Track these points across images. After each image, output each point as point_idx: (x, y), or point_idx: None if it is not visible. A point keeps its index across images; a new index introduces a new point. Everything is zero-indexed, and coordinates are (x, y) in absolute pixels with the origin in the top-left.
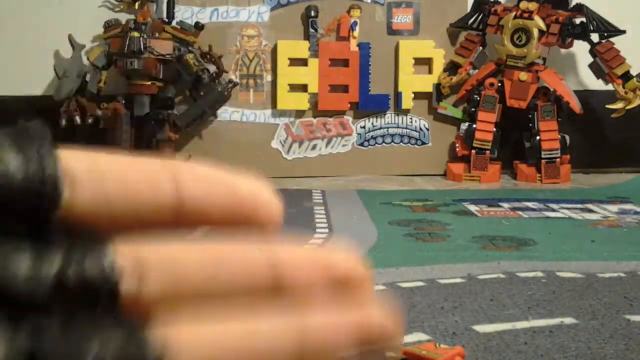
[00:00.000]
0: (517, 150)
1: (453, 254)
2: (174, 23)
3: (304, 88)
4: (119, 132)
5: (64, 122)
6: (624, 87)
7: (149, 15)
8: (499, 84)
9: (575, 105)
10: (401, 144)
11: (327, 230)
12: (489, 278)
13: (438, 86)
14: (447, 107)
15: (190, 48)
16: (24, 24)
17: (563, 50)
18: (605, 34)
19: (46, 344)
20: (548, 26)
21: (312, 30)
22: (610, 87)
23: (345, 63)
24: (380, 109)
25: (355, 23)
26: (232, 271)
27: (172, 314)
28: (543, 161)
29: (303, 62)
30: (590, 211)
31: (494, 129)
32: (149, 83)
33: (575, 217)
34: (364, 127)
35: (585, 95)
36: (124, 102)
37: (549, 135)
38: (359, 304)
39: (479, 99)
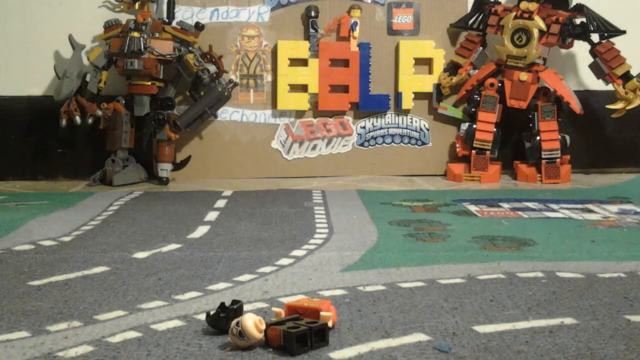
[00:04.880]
0: (517, 150)
1: (453, 254)
2: (174, 23)
3: (304, 88)
4: (119, 132)
5: (64, 122)
6: (624, 87)
7: (149, 15)
8: (499, 84)
9: (575, 105)
10: (401, 144)
11: (327, 230)
12: (489, 278)
13: (438, 86)
14: (447, 107)
15: (190, 48)
16: (24, 24)
17: (563, 50)
18: (605, 34)
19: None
20: (548, 26)
21: (312, 30)
22: (610, 87)
23: (345, 63)
24: (380, 109)
25: (355, 23)
26: None
27: None
28: (543, 161)
29: (303, 62)
30: (590, 211)
31: (494, 129)
32: (149, 83)
33: (575, 217)
34: (364, 127)
35: (585, 95)
36: (124, 102)
37: (549, 135)
38: None
39: (479, 99)
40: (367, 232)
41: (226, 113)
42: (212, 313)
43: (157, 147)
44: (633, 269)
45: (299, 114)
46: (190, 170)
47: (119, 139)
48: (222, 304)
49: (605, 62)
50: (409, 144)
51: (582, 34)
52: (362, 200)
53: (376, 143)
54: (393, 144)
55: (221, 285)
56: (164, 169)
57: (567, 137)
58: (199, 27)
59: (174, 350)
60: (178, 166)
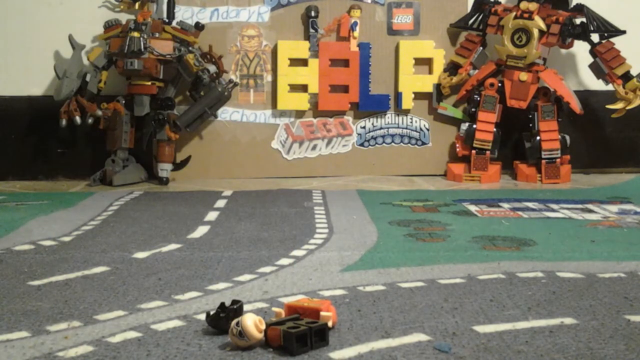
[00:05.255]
0: (517, 150)
1: (453, 254)
2: (174, 23)
3: (304, 88)
4: (119, 132)
5: (64, 122)
6: (624, 87)
7: (149, 15)
8: (499, 84)
9: (575, 105)
10: (401, 144)
11: (327, 230)
12: (489, 278)
13: (438, 86)
14: (447, 107)
15: (190, 48)
16: (24, 24)
17: (563, 50)
18: (605, 34)
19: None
20: (548, 26)
21: (312, 30)
22: (610, 87)
23: (345, 63)
24: (380, 109)
25: (355, 23)
26: None
27: None
28: (543, 161)
29: (303, 62)
30: (590, 211)
31: (494, 129)
32: (149, 83)
33: (575, 217)
34: (364, 127)
35: (585, 95)
36: (124, 102)
37: (549, 135)
38: None
39: (479, 99)
40: (367, 232)
41: (226, 113)
42: (212, 313)
43: (157, 147)
44: (633, 269)
45: (299, 114)
46: (190, 170)
47: (119, 139)
48: (222, 304)
49: (605, 62)
50: (409, 144)
51: (582, 34)
52: (362, 200)
53: (376, 143)
54: (393, 144)
55: (221, 285)
56: (164, 169)
57: (567, 137)
58: (199, 27)
59: (174, 350)
60: (178, 166)
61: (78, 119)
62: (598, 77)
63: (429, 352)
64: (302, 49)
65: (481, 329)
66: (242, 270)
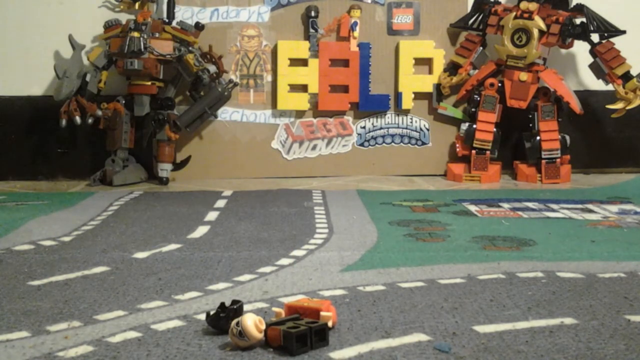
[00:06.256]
0: (517, 150)
1: (453, 254)
2: (174, 23)
3: (304, 88)
4: (118, 132)
5: (64, 122)
6: (624, 87)
7: (149, 15)
8: (499, 84)
9: (575, 105)
10: (401, 144)
11: (327, 230)
12: (489, 278)
13: (438, 86)
14: (447, 107)
15: (190, 48)
16: (24, 24)
17: (563, 50)
18: (605, 34)
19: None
20: (548, 26)
21: (312, 30)
22: (610, 87)
23: (345, 63)
24: (380, 109)
25: (355, 23)
26: None
27: None
28: (543, 161)
29: (303, 62)
30: (590, 211)
31: (494, 129)
32: (149, 83)
33: (575, 217)
34: (364, 127)
35: (585, 95)
36: (124, 102)
37: (549, 135)
38: None
39: (479, 99)
40: (367, 232)
41: (226, 113)
42: (212, 313)
43: (157, 147)
44: (633, 269)
45: (299, 114)
46: (190, 170)
47: (119, 139)
48: (222, 304)
49: (605, 62)
50: (409, 144)
51: (582, 34)
52: (362, 200)
53: (376, 143)
54: (393, 144)
55: (221, 285)
56: (164, 169)
57: (567, 137)
58: (199, 27)
59: (174, 350)
60: (178, 166)
61: (78, 119)
62: (598, 77)
63: (429, 352)
64: (302, 49)
65: (481, 329)
66: (242, 270)
